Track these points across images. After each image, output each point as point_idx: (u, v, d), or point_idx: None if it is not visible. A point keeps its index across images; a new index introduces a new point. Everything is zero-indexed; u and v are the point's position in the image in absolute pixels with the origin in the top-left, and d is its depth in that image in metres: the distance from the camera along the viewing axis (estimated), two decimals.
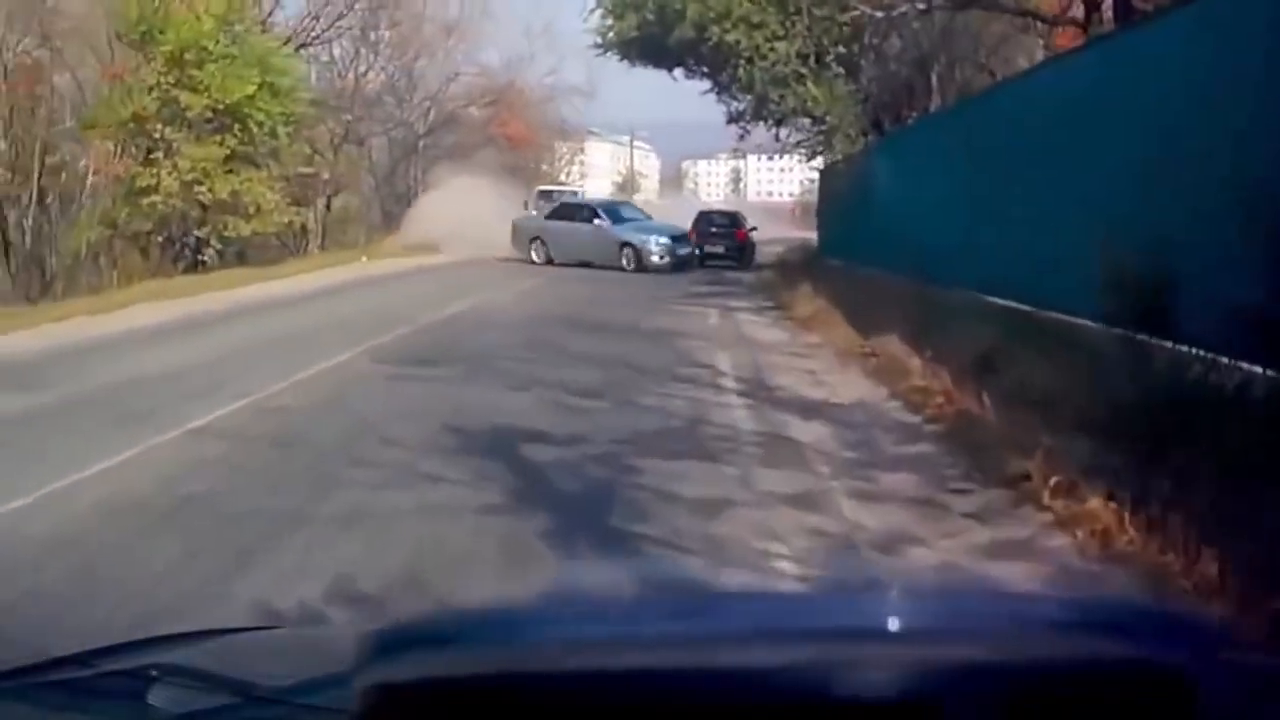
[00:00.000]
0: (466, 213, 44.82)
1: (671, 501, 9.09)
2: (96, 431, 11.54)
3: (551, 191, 55.93)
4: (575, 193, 57.67)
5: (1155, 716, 1.43)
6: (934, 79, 35.96)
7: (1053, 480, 8.91)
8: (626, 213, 42.16)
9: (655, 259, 38.37)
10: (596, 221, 39.97)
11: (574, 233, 39.98)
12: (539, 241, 40.53)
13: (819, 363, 17.26)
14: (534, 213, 46.45)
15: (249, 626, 3.37)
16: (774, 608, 1.56)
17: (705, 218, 45.60)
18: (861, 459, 10.91)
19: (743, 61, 38.34)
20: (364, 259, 42.66)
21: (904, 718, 1.35)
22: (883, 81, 38.73)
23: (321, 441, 11.33)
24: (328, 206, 53.04)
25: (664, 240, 39.08)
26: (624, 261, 38.30)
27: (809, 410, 13.35)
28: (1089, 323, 13.19)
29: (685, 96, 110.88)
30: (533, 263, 39.07)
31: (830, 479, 10.10)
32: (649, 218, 43.02)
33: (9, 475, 9.61)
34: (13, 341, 19.33)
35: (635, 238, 39.13)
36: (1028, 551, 8.12)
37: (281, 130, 39.27)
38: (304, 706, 1.89)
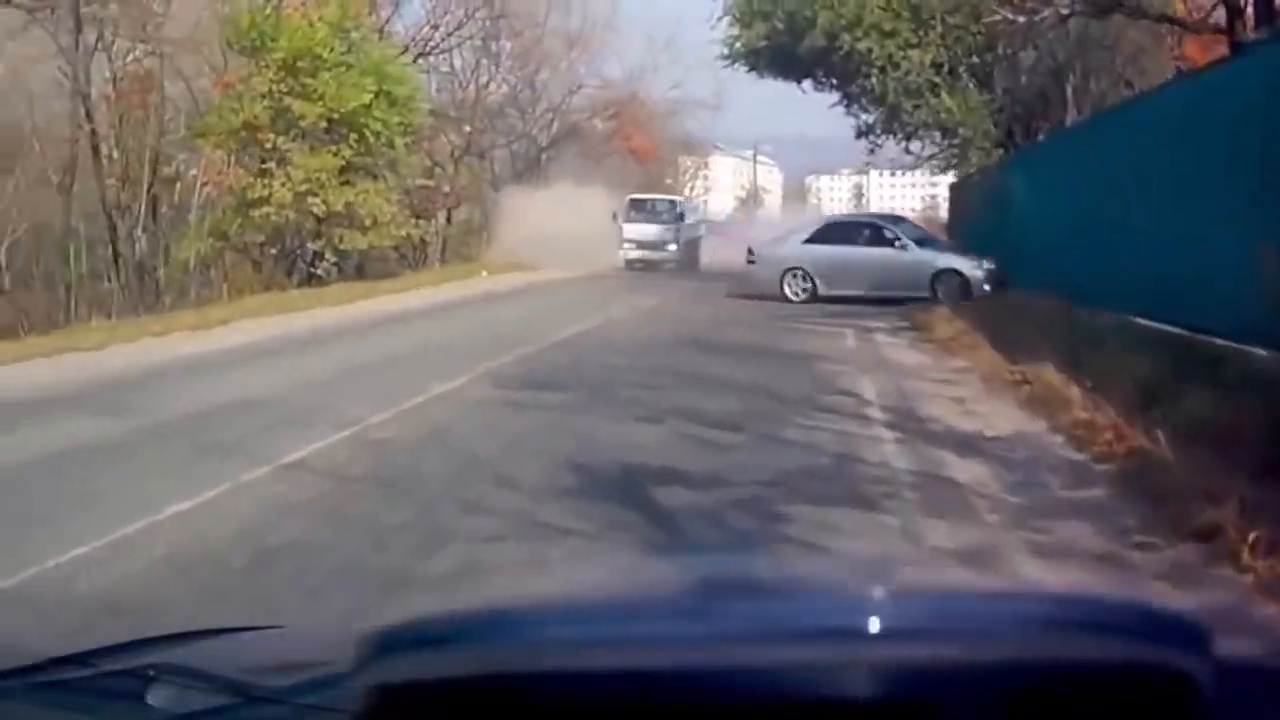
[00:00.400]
0: (556, 224, 42.94)
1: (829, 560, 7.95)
2: (179, 465, 10.61)
3: (645, 201, 51.36)
4: (673, 201, 53.60)
5: (1155, 716, 1.47)
6: (1069, 90, 34.93)
7: (1251, 535, 7.79)
8: (911, 231, 34.87)
9: (986, 288, 30.26)
10: (898, 245, 32.60)
11: (860, 260, 32.24)
12: (798, 274, 32.78)
13: (967, 389, 16.08)
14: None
15: (249, 626, 2.98)
16: (774, 608, 1.56)
17: None
18: (1030, 505, 9.76)
19: (875, 71, 37.28)
20: (484, 273, 42.19)
21: (904, 717, 1.40)
22: (1016, 93, 37.76)
23: (430, 482, 10.27)
24: (448, 219, 53.27)
25: (989, 265, 31.28)
26: (939, 293, 30.61)
27: (964, 445, 12.17)
28: (1260, 350, 12.38)
29: (807, 112, 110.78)
30: (789, 301, 31.82)
31: (1001, 529, 9.01)
32: (935, 236, 36.90)
33: (74, 517, 8.73)
34: (106, 358, 18.66)
35: (962, 264, 31.80)
36: (1232, 625, 6.93)
37: (399, 141, 38.48)
38: (304, 706, 1.86)
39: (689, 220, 52.21)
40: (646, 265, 46.94)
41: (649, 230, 48.99)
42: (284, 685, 1.95)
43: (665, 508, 9.30)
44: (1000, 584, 2.74)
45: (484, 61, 57.36)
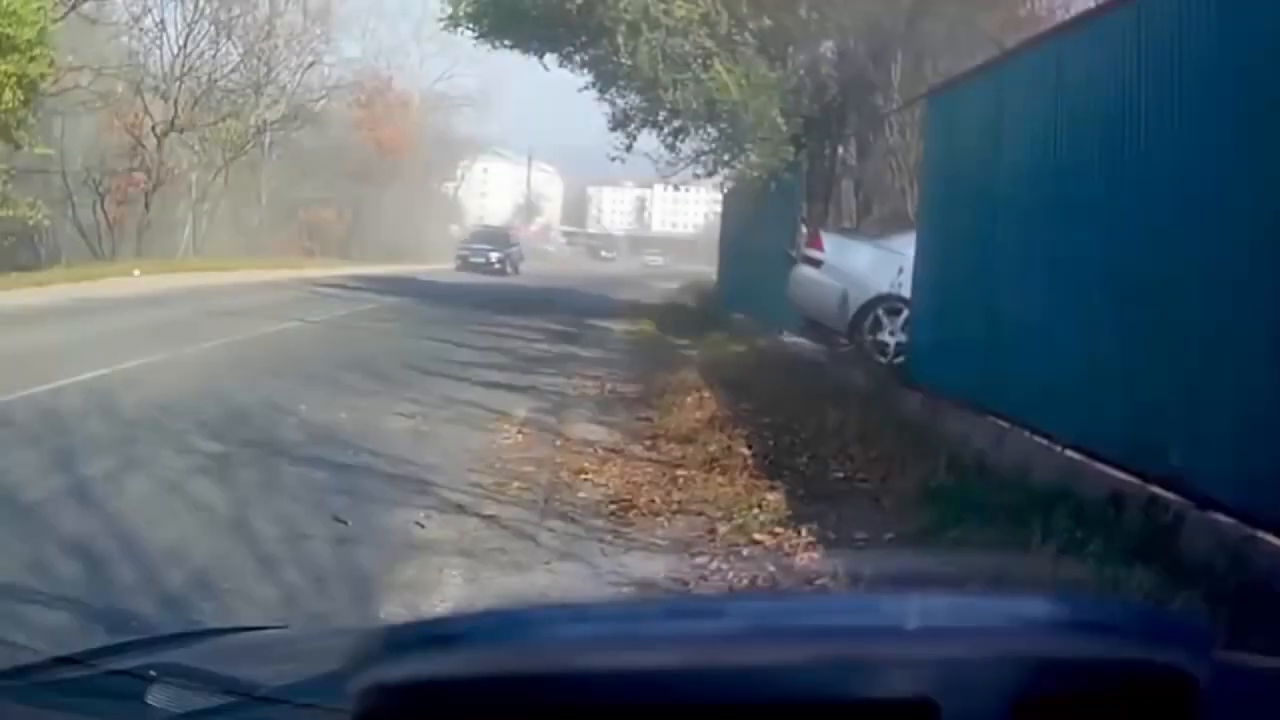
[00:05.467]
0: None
1: None
2: None
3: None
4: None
5: (1155, 717, 1.48)
6: (894, 72, 25.57)
7: None
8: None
9: None
10: None
11: None
12: None
13: None
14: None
15: (249, 626, 3.12)
16: (773, 607, 1.55)
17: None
18: None
19: (621, 30, 27.58)
20: (136, 272, 37.77)
21: (903, 717, 1.39)
22: (821, 73, 28.24)
23: None
24: (146, 206, 48.02)
25: None
26: None
27: None
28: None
29: (592, 119, 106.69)
30: None
31: None
32: None
33: None
34: None
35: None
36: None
37: (10, 95, 31.75)
38: (304, 706, 1.95)
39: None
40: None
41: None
42: (284, 685, 2.08)
43: None
44: (1000, 585, 2.65)
45: (206, 25, 53.27)
